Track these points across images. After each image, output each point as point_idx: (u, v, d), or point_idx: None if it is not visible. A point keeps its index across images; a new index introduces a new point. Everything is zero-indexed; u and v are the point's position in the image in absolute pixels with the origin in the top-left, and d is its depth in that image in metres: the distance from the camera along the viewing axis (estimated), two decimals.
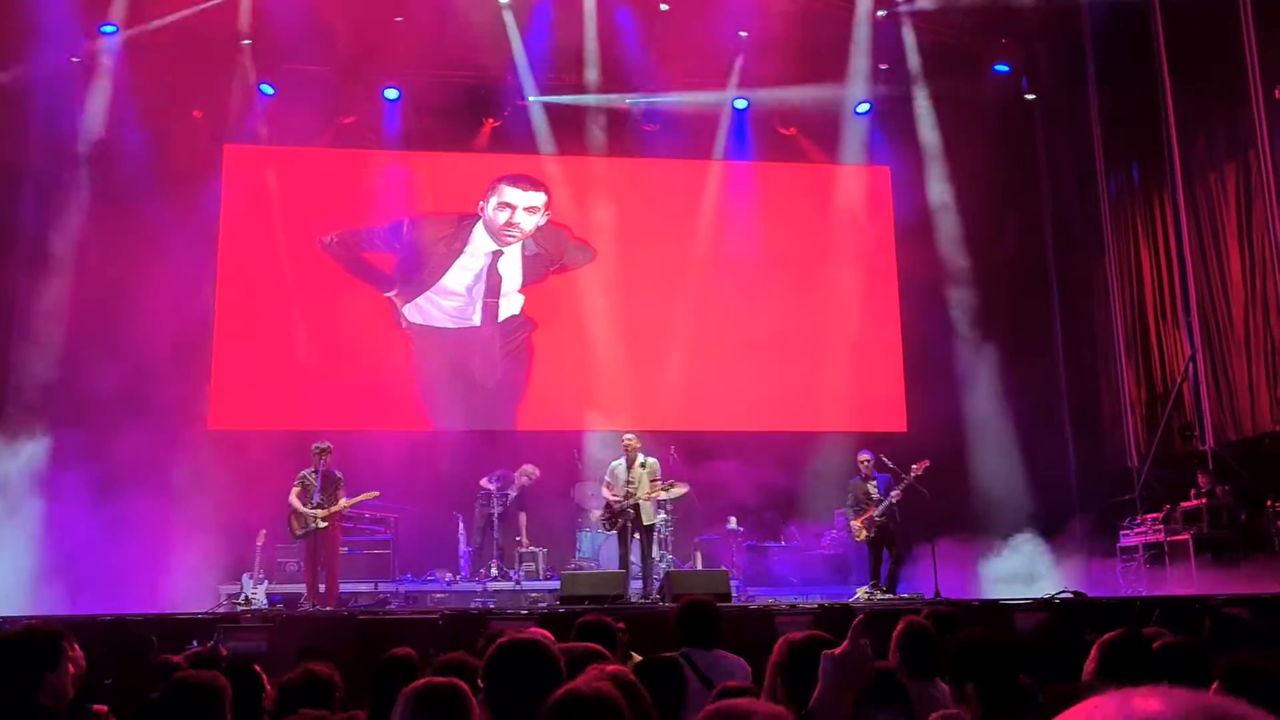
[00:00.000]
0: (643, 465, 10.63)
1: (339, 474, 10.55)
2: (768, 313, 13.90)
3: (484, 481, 11.81)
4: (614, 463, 10.87)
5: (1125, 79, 13.30)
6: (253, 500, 11.38)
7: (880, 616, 7.54)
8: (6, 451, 10.82)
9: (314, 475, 10.38)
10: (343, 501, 10.44)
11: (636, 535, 10.58)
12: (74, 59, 12.67)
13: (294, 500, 10.42)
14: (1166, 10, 12.50)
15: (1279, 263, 10.87)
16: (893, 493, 10.86)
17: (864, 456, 11.23)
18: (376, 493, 10.70)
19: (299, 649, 3.84)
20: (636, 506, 10.45)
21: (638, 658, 5.13)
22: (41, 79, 12.35)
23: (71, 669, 3.28)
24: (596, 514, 11.33)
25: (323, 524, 10.24)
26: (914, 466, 10.74)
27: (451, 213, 14.05)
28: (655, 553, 11.09)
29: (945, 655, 3.65)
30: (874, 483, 11.07)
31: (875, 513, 10.90)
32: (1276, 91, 9.62)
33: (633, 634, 5.51)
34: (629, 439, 10.79)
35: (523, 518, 12.01)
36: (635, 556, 10.76)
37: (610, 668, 2.91)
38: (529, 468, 12.03)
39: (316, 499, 10.30)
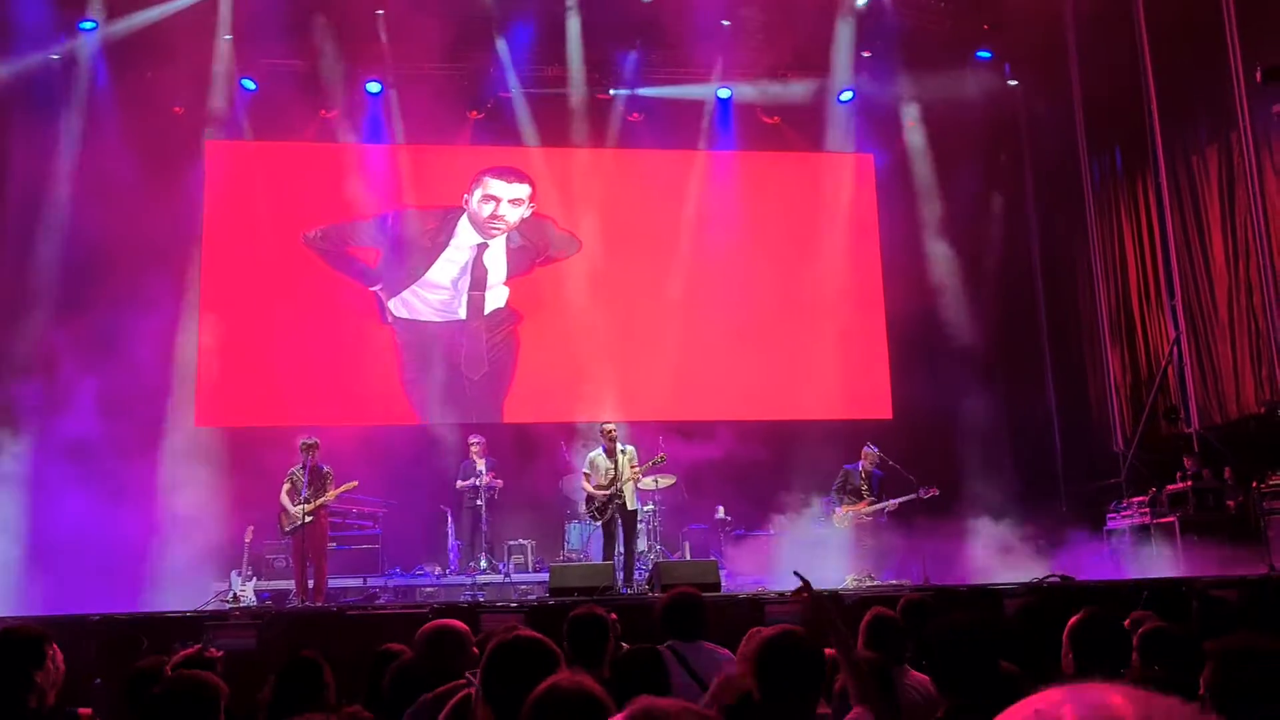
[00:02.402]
0: (622, 452, 10.71)
1: (326, 468, 10.56)
2: (753, 301, 13.93)
3: (458, 483, 11.79)
4: (592, 453, 10.94)
5: (1107, 63, 13.32)
6: (240, 497, 11.35)
7: (867, 602, 7.57)
8: None
9: (301, 471, 10.38)
10: (326, 495, 10.43)
11: (621, 524, 10.62)
12: (53, 57, 12.57)
13: (284, 498, 10.45)
14: None
15: (1262, 245, 10.93)
16: (890, 501, 10.98)
17: (869, 451, 11.32)
18: (354, 483, 10.70)
19: (288, 656, 3.82)
20: (621, 493, 10.53)
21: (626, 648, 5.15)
22: (20, 78, 12.25)
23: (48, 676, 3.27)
24: (583, 509, 11.32)
25: (308, 518, 10.24)
26: (922, 490, 10.91)
27: (436, 206, 14.00)
28: (643, 544, 11.14)
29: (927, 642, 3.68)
30: (871, 476, 11.25)
31: (867, 511, 11.02)
32: (1257, 73, 9.63)
33: (623, 625, 5.53)
34: (608, 428, 10.86)
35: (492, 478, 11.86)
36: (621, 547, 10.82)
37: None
38: (473, 439, 11.97)
39: (304, 494, 10.30)
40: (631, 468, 10.70)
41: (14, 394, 11.43)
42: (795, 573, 3.80)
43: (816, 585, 3.77)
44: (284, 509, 10.44)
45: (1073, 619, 3.58)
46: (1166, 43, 12.33)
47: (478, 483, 11.58)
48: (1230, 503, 10.69)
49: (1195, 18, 11.65)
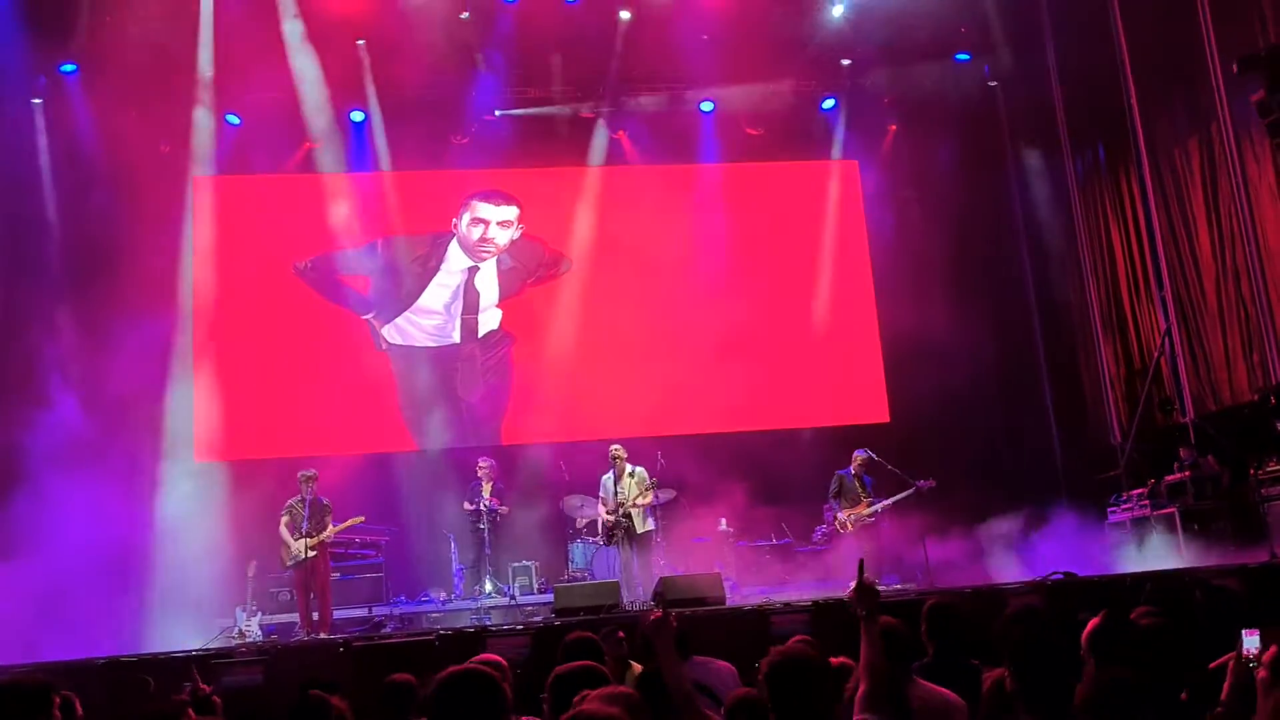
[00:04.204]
0: (631, 475, 10.80)
1: (326, 501, 10.59)
2: (746, 312, 13.94)
3: (465, 505, 11.85)
4: (604, 476, 11.08)
5: (1085, 60, 13.39)
6: (242, 531, 11.34)
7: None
8: None
9: (301, 504, 10.39)
10: (329, 530, 10.47)
11: (631, 545, 10.73)
12: (35, 100, 12.59)
13: (283, 531, 10.44)
14: None
15: (1247, 233, 10.98)
16: (888, 500, 11.02)
17: (860, 455, 11.38)
18: (361, 518, 10.76)
19: (300, 684, 3.82)
20: (629, 515, 10.62)
21: (638, 668, 5.15)
22: (2, 122, 12.26)
23: None
24: (583, 522, 11.40)
25: (311, 553, 10.25)
26: (921, 482, 10.90)
27: (425, 231, 14.04)
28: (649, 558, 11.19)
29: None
30: (863, 480, 11.30)
31: (866, 512, 11.07)
32: (1234, 65, 9.70)
33: (631, 643, 5.53)
34: (615, 450, 10.97)
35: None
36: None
37: (609, 689, 2.96)
38: (481, 462, 12.03)
39: (305, 527, 10.31)
40: (642, 489, 10.80)
41: (12, 436, 11.41)
42: (860, 561, 3.96)
43: (819, 594, 3.81)
44: (284, 543, 10.43)
45: (1090, 624, 3.57)
46: (1143, 37, 12.41)
47: (480, 506, 11.62)
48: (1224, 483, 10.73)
49: (1170, 10, 11.73)
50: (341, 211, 13.68)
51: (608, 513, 10.86)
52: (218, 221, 13.50)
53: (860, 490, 11.31)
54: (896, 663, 3.76)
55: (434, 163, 14.11)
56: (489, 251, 14.04)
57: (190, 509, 11.70)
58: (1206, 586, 7.28)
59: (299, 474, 10.54)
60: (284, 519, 10.48)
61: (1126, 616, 3.73)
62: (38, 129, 12.58)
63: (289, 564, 10.39)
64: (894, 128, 14.73)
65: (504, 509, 11.78)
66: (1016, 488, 12.86)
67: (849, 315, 14.27)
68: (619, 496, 10.77)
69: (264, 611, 10.91)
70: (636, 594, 10.39)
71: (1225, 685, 3.31)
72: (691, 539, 12.31)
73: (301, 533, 10.29)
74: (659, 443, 12.04)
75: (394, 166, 13.93)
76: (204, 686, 4.48)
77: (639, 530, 10.79)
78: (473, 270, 13.99)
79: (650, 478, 11.03)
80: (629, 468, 10.95)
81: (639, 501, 10.91)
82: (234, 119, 13.38)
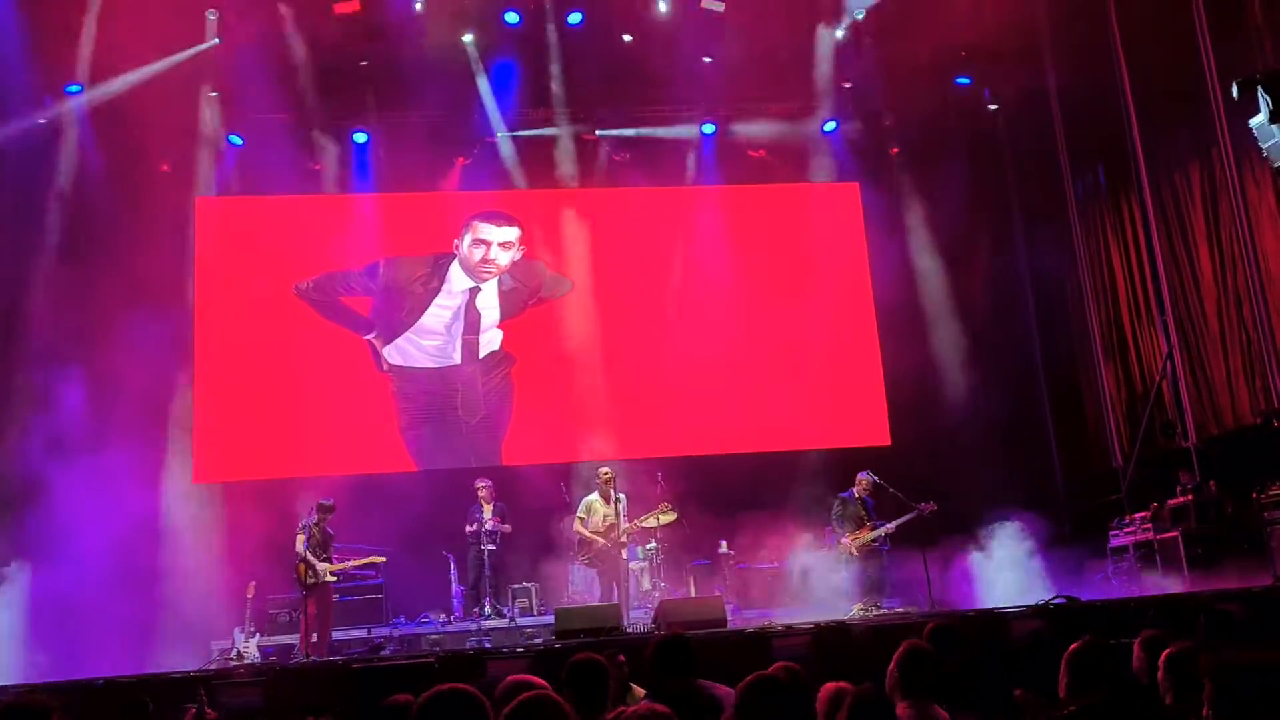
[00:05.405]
0: (618, 500, 10.79)
1: (333, 533, 10.68)
2: (747, 333, 13.97)
3: (468, 529, 11.83)
4: (588, 497, 11.05)
5: (1085, 83, 13.45)
6: (241, 552, 11.31)
7: (876, 631, 7.55)
8: None
9: (317, 527, 10.46)
10: (351, 561, 10.71)
11: (618, 569, 10.74)
12: (40, 121, 12.64)
13: (301, 549, 10.43)
14: (1122, 12, 12.68)
15: (1248, 256, 11.00)
16: (889, 524, 11.00)
17: (863, 478, 11.36)
18: (384, 559, 10.88)
19: (298, 709, 3.81)
20: (623, 542, 10.63)
21: (639, 690, 5.13)
22: (7, 142, 12.31)
23: None
24: (576, 553, 11.35)
25: (332, 578, 10.37)
26: (923, 505, 10.87)
27: (426, 252, 14.06)
28: (646, 582, 11.17)
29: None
30: (865, 503, 11.29)
31: (870, 536, 11.04)
32: (1233, 88, 9.75)
33: (632, 666, 5.50)
34: (604, 472, 10.97)
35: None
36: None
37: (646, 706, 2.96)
38: (479, 484, 12.02)
39: (307, 549, 10.39)
40: (625, 519, 10.82)
41: (9, 458, 11.40)
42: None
43: (823, 616, 3.79)
44: (305, 561, 10.39)
45: (1071, 646, 3.56)
46: (1143, 60, 12.47)
47: (481, 527, 11.60)
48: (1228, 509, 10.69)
49: (1170, 34, 11.78)
50: (343, 232, 13.72)
51: (595, 533, 10.82)
52: (220, 242, 13.54)
53: (863, 513, 11.28)
54: (924, 688, 3.70)
55: (436, 184, 14.18)
56: (490, 272, 14.06)
57: (189, 530, 11.67)
58: (1209, 610, 7.26)
59: (320, 501, 10.64)
60: (300, 537, 10.50)
61: (1109, 641, 3.72)
62: (43, 150, 12.61)
63: (308, 583, 10.38)
64: (895, 151, 14.78)
65: (506, 527, 11.76)
66: (1018, 511, 12.80)
67: (849, 337, 14.26)
68: (612, 519, 10.74)
69: (262, 633, 10.87)
70: (634, 614, 10.38)
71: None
72: (691, 561, 12.28)
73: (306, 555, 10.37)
74: (659, 464, 12.03)
75: (396, 187, 14.00)
76: (210, 711, 4.45)
77: (624, 556, 10.83)
78: (474, 291, 14.01)
79: (663, 503, 11.00)
80: (613, 492, 10.96)
81: (643, 525, 10.90)
82: (236, 140, 13.46)
